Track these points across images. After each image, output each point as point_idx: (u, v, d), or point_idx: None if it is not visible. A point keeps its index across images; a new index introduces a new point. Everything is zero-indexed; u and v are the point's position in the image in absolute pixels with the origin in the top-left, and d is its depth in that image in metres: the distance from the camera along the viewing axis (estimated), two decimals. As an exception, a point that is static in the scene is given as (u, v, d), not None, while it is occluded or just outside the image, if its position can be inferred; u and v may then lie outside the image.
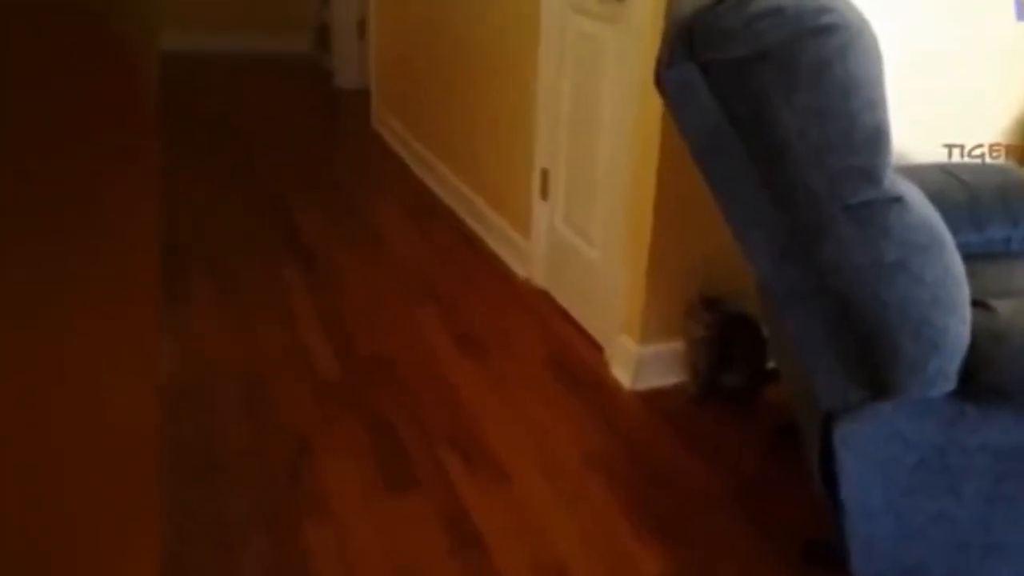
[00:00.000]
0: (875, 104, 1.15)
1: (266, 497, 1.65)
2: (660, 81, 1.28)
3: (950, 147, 2.02)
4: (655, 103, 1.74)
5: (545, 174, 2.39)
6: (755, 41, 1.15)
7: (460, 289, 2.54)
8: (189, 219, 2.93)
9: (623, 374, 2.06)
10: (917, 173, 1.45)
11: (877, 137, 1.15)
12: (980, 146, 1.98)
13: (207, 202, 3.12)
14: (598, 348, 2.20)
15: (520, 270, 2.59)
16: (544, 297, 2.48)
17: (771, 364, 1.96)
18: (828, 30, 1.14)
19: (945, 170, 1.75)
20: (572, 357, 2.19)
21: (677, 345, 2.03)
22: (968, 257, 1.27)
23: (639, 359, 2.02)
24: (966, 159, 2.04)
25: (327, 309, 2.37)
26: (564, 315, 2.38)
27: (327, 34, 5.01)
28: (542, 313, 2.41)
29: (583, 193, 2.24)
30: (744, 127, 1.19)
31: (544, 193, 2.40)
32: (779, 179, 1.19)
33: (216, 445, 1.79)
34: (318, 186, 3.40)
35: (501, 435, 1.88)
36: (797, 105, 1.15)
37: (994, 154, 1.21)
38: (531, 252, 2.51)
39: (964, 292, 1.19)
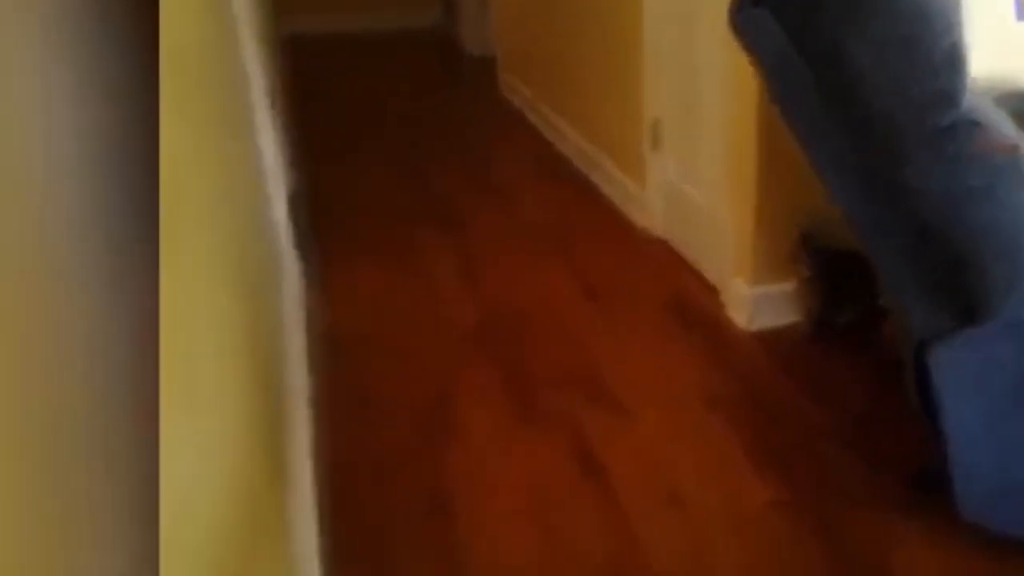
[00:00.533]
0: (951, 26, 1.18)
1: (412, 430, 1.87)
2: (734, 24, 1.35)
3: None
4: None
5: (656, 124, 2.47)
6: None
7: (584, 240, 2.68)
8: (339, 186, 3.21)
9: (738, 315, 2.14)
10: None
11: (955, 59, 1.18)
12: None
13: (352, 170, 3.41)
14: (714, 291, 2.29)
15: (639, 220, 2.70)
16: (662, 245, 2.58)
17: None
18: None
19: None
20: (689, 301, 2.29)
21: (790, 285, 2.09)
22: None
23: (753, 300, 2.09)
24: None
25: (463, 265, 2.58)
26: (681, 261, 2.47)
27: (453, 4, 5.19)
28: (661, 260, 2.51)
29: (692, 141, 2.31)
30: (817, 64, 1.25)
31: (655, 143, 2.49)
32: (856, 112, 1.25)
33: (369, 385, 2.04)
34: (451, 149, 3.61)
35: (622, 375, 2.02)
36: (871, 34, 1.19)
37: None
38: (648, 202, 2.61)
39: (1051, 215, 1.22)
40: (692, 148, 2.32)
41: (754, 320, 2.11)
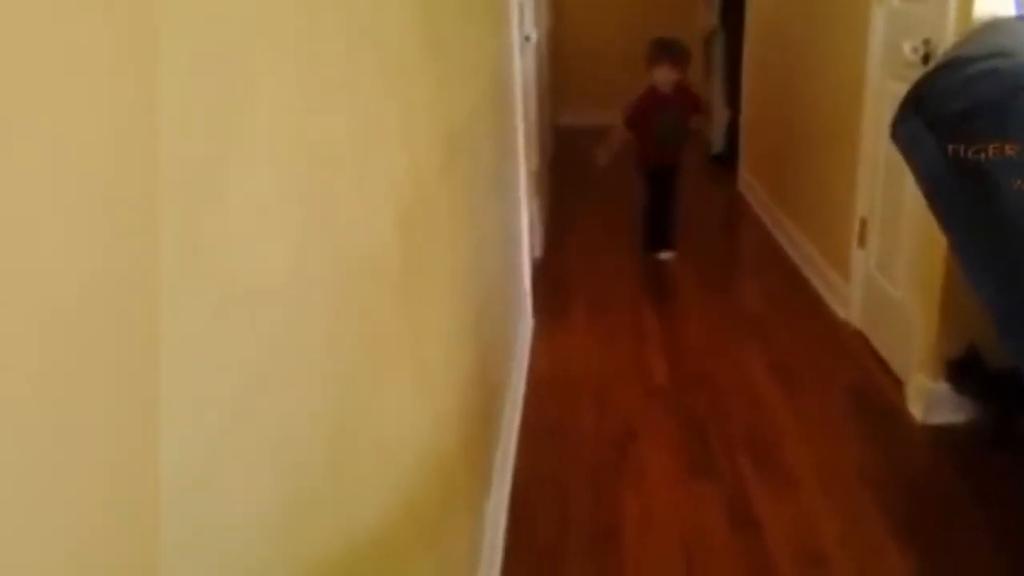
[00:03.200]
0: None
1: (596, 467, 2.17)
2: (895, 135, 1.56)
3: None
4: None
5: (864, 223, 2.63)
6: (972, 96, 1.39)
7: (783, 325, 2.86)
8: (577, 256, 3.65)
9: (917, 408, 2.23)
10: None
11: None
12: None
13: (592, 242, 3.83)
14: (899, 383, 2.38)
15: (841, 312, 2.83)
16: (859, 337, 2.69)
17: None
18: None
19: None
20: (873, 390, 2.40)
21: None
22: None
23: (932, 394, 2.18)
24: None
25: (669, 334, 2.87)
26: (874, 354, 2.57)
27: (706, 107, 5.54)
28: (854, 351, 2.63)
29: (892, 240, 2.45)
30: (964, 174, 1.43)
31: (862, 240, 2.64)
32: (997, 220, 1.41)
33: (565, 424, 2.38)
34: (682, 236, 3.93)
35: (792, 447, 2.19)
36: (1009, 154, 1.36)
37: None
38: (850, 295, 2.75)
39: None
40: (893, 247, 2.46)
41: (931, 414, 2.19)
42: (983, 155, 1.40)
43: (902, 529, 1.86)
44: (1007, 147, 1.38)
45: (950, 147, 1.45)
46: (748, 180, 4.33)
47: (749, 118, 4.39)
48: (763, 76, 4.05)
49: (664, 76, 3.37)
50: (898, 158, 2.39)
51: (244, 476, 0.55)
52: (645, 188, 3.60)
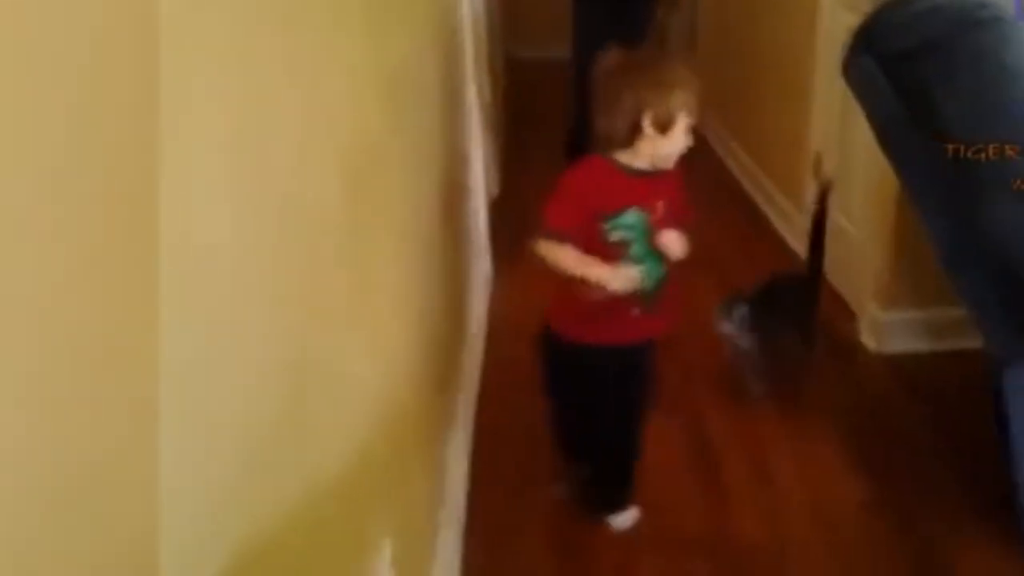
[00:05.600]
0: (1026, 88, 1.33)
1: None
2: (846, 74, 1.56)
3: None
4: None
5: (818, 156, 2.64)
6: (918, 34, 1.40)
7: (739, 257, 2.88)
8: (538, 201, 3.61)
9: (870, 339, 2.28)
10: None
11: (1027, 118, 1.33)
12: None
13: (550, 186, 3.78)
14: (853, 315, 2.42)
15: (796, 245, 2.86)
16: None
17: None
18: (985, 23, 1.34)
19: None
20: (827, 321, 2.44)
21: (924, 313, 2.20)
22: None
23: (885, 325, 2.23)
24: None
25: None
26: (828, 286, 2.61)
27: (665, 35, 5.47)
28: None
29: (846, 173, 2.46)
30: (913, 111, 1.44)
31: (816, 173, 2.65)
32: (945, 157, 1.43)
33: (526, 366, 2.38)
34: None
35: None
36: (956, 91, 1.37)
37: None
38: (803, 228, 2.77)
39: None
40: (846, 178, 2.47)
41: (884, 344, 2.24)
42: (933, 95, 1.40)
43: (853, 454, 1.92)
44: (956, 83, 1.38)
45: (900, 83, 1.45)
46: (704, 112, 4.30)
47: (704, 50, 4.34)
48: (719, 6, 3.99)
49: (653, 146, 1.46)
50: (848, 90, 2.40)
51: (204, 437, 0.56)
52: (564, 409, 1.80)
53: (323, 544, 0.84)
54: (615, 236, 1.47)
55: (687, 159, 1.57)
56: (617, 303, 1.49)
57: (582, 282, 1.46)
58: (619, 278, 1.45)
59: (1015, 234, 1.36)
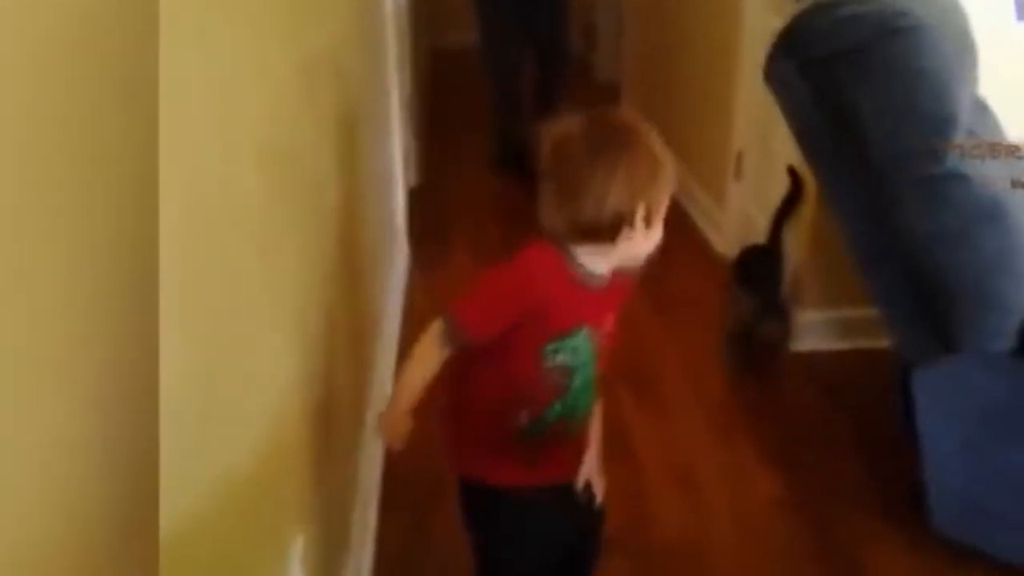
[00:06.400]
0: (940, 95, 1.37)
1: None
2: (767, 77, 1.58)
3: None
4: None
5: (740, 156, 2.68)
6: (838, 41, 1.42)
7: (661, 256, 2.90)
8: (456, 187, 3.57)
9: (787, 337, 2.33)
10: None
11: (941, 123, 1.37)
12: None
13: (471, 177, 3.74)
14: (769, 314, 2.47)
15: (718, 244, 2.90)
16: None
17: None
18: (900, 32, 1.38)
19: None
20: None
21: (837, 313, 2.26)
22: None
23: (800, 325, 2.28)
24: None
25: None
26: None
27: (592, 32, 5.48)
28: (728, 283, 2.71)
29: (767, 174, 2.50)
30: (831, 115, 1.47)
31: (738, 173, 2.69)
32: (859, 159, 1.46)
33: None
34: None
35: (669, 378, 2.25)
36: (870, 96, 1.40)
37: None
38: (727, 228, 2.81)
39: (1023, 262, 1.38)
40: (767, 179, 2.51)
41: (800, 342, 2.28)
42: (851, 99, 1.43)
43: (771, 451, 1.95)
44: (872, 89, 1.41)
45: (819, 87, 1.48)
46: (631, 109, 4.33)
47: (631, 46, 4.36)
48: (646, 2, 4.02)
49: (636, 243, 1.18)
50: (768, 92, 2.44)
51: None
52: None
53: (233, 541, 0.82)
54: (556, 360, 1.13)
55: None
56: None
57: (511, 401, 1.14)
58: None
59: (929, 236, 1.40)
